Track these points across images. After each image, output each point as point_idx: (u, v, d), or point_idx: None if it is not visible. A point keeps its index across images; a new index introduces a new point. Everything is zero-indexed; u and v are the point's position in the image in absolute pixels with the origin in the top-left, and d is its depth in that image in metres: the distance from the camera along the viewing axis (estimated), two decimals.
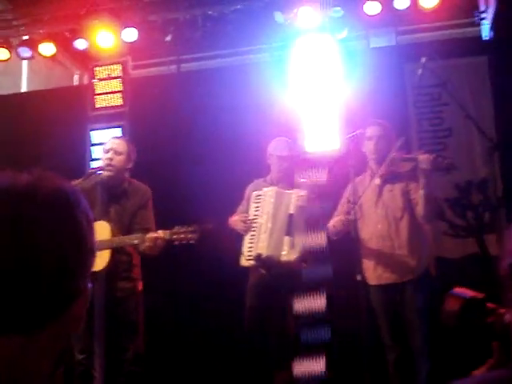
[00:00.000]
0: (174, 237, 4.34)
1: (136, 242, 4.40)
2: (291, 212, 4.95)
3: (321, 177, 5.17)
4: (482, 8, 6.31)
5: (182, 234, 4.33)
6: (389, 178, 4.63)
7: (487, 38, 6.26)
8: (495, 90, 5.98)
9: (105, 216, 4.53)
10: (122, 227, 4.54)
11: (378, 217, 4.60)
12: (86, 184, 4.61)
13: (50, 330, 1.02)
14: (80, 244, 1.07)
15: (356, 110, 5.78)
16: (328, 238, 4.85)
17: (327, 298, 5.08)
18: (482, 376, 1.17)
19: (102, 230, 4.42)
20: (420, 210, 4.45)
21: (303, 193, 4.96)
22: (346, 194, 4.83)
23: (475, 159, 5.87)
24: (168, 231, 4.36)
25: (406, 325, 4.49)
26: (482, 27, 6.35)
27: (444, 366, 4.49)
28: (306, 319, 5.00)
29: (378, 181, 4.65)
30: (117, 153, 4.65)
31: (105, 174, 4.63)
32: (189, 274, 6.06)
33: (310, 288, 5.02)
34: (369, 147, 4.71)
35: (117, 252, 4.46)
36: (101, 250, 4.37)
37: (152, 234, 4.34)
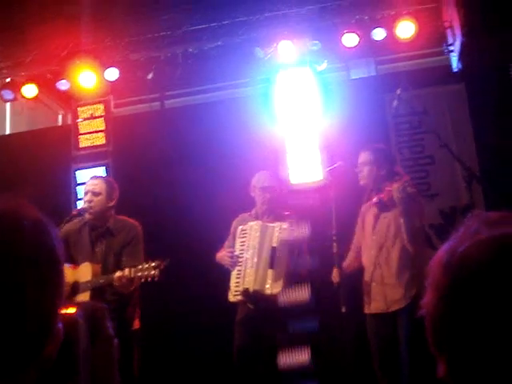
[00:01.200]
0: (139, 274, 4.31)
1: (107, 280, 4.38)
2: (274, 245, 4.96)
3: (303, 208, 5.20)
4: (450, 40, 6.41)
5: (146, 270, 4.30)
6: (383, 206, 4.65)
7: (456, 70, 6.34)
8: (473, 117, 6.06)
9: (92, 257, 4.52)
10: (108, 266, 4.52)
11: (373, 243, 4.63)
12: (72, 226, 4.62)
13: (29, 374, 1.01)
14: (59, 281, 1.07)
15: (338, 141, 5.84)
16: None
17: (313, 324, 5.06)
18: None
19: (86, 271, 4.42)
20: (404, 237, 4.47)
21: (286, 225, 4.98)
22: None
23: (458, 185, 5.91)
24: (133, 269, 4.34)
25: (397, 356, 4.47)
26: (452, 59, 6.44)
27: None
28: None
29: (375, 209, 4.69)
30: (95, 194, 4.65)
31: (86, 216, 4.64)
32: (179, 310, 6.03)
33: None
34: (359, 174, 4.75)
35: (99, 293, 4.42)
36: (83, 291, 4.36)
37: (118, 273, 4.32)
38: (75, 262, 4.54)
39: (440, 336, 1.05)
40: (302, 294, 4.99)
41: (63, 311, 1.27)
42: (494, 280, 0.98)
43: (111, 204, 4.75)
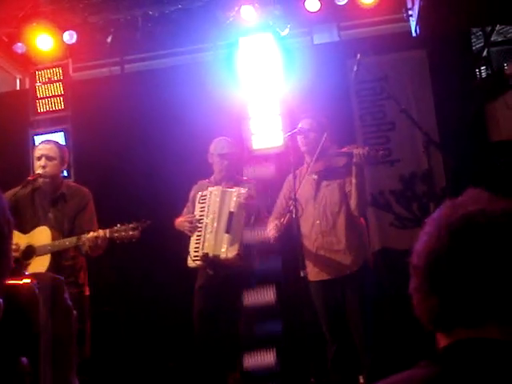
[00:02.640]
0: (116, 235, 4.30)
1: (76, 242, 4.34)
2: (232, 210, 4.95)
3: (264, 173, 5.18)
4: (409, 5, 6.39)
5: (123, 231, 4.29)
6: (325, 174, 4.64)
7: (414, 35, 6.33)
8: (434, 83, 6.07)
9: (45, 221, 4.46)
10: (62, 231, 4.47)
11: (316, 212, 4.61)
12: (22, 191, 4.54)
13: None
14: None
15: (299, 107, 5.81)
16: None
17: (276, 293, 5.08)
18: (408, 374, 1.15)
19: (42, 235, 4.36)
20: (353, 202, 4.49)
21: (244, 190, 4.96)
22: (283, 190, 4.84)
23: (418, 151, 5.94)
24: (108, 229, 4.31)
25: (347, 321, 4.51)
26: (411, 23, 6.43)
27: (388, 359, 4.53)
28: (257, 315, 4.98)
29: (315, 176, 4.67)
30: (49, 158, 4.57)
31: (40, 180, 4.55)
32: (135, 274, 6.02)
33: (260, 282, 5.01)
34: (300, 140, 4.72)
35: (58, 257, 4.38)
36: (42, 254, 4.31)
37: (92, 234, 4.29)
38: (24, 227, 4.47)
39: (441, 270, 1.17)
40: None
41: (18, 282, 1.24)
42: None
43: (63, 169, 4.73)
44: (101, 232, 4.31)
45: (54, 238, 4.39)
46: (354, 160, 4.39)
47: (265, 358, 4.96)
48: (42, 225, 4.42)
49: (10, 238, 1.06)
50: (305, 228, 4.63)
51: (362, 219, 4.68)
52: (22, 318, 1.24)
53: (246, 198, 4.92)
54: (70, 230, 4.50)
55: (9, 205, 1.09)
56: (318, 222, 4.58)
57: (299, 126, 4.72)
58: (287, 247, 4.85)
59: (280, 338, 5.02)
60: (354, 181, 4.45)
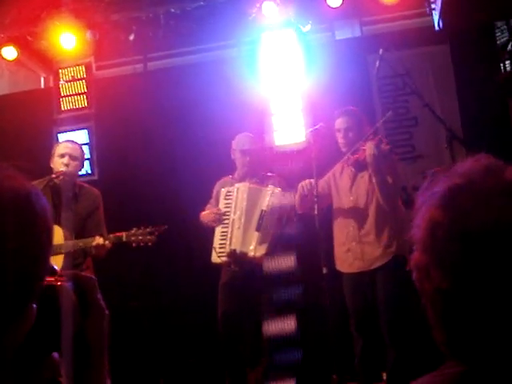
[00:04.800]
0: (132, 238, 4.36)
1: (85, 245, 4.41)
2: (264, 208, 4.94)
3: (286, 170, 5.18)
4: None
5: (140, 235, 4.34)
6: (361, 165, 4.63)
7: (437, 29, 6.28)
8: (457, 77, 6.02)
9: (55, 221, 4.50)
10: (73, 232, 4.52)
11: (351, 204, 4.63)
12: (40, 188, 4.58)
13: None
14: (42, 253, 1.04)
15: (322, 103, 5.80)
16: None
17: (300, 291, 5.08)
18: (436, 377, 1.09)
19: (55, 235, 4.40)
20: (378, 196, 4.49)
21: (278, 190, 4.96)
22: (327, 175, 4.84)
23: (441, 147, 5.89)
24: (124, 233, 4.37)
25: (375, 316, 4.50)
26: (434, 17, 6.37)
27: (414, 356, 4.50)
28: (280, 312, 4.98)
29: (352, 168, 4.69)
30: (72, 158, 4.64)
31: (60, 178, 4.58)
32: (158, 271, 6.05)
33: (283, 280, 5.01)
34: (339, 140, 4.73)
35: (70, 257, 4.44)
36: (55, 254, 4.36)
37: (98, 241, 4.36)
38: None
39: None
40: (287, 261, 5.01)
41: (54, 282, 1.26)
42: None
43: (80, 171, 4.83)
44: (107, 243, 4.38)
45: (66, 238, 4.44)
46: (366, 153, 4.40)
47: (288, 357, 4.96)
48: (55, 223, 4.47)
49: (48, 245, 1.07)
50: (339, 220, 4.65)
51: (401, 210, 4.63)
52: (57, 320, 1.26)
53: (279, 199, 4.91)
54: (80, 230, 4.55)
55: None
56: (351, 213, 4.59)
57: (336, 124, 4.71)
58: (308, 245, 4.85)
59: (302, 335, 5.02)
60: (373, 177, 4.46)
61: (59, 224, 4.47)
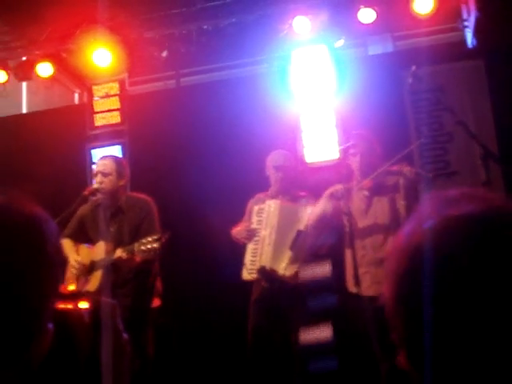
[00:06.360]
0: (142, 248, 4.32)
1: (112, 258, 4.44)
2: (301, 228, 4.92)
3: (319, 187, 5.15)
4: (465, 16, 6.29)
5: (146, 244, 4.31)
6: (376, 190, 4.61)
7: (471, 46, 6.23)
8: (493, 95, 5.95)
9: (107, 236, 4.55)
10: (122, 244, 4.54)
11: (368, 227, 4.59)
12: (86, 208, 4.68)
13: (15, 368, 1.00)
14: (51, 279, 1.05)
15: (355, 119, 5.78)
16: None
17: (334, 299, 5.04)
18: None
19: (99, 250, 4.46)
20: (403, 220, 4.43)
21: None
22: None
23: (476, 164, 5.83)
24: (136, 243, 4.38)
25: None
26: (467, 35, 6.32)
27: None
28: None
29: (365, 193, 4.65)
30: (104, 174, 4.67)
31: (99, 196, 4.68)
32: (188, 286, 6.04)
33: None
34: (354, 164, 4.74)
35: (113, 270, 4.45)
36: (98, 269, 4.42)
37: (120, 254, 4.40)
38: (94, 243, 4.63)
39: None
40: (322, 270, 4.97)
41: (68, 308, 1.27)
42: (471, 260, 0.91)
43: (122, 183, 4.78)
44: (123, 254, 4.39)
45: (107, 252, 4.47)
46: (403, 180, 4.37)
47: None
48: (103, 239, 4.52)
49: (60, 265, 1.09)
50: (357, 243, 4.60)
51: None
52: (69, 345, 1.27)
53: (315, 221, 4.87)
54: (132, 241, 4.53)
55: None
56: (370, 237, 4.55)
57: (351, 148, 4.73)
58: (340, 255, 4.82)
59: (338, 343, 4.97)
60: (402, 202, 4.42)
61: (110, 239, 4.53)
